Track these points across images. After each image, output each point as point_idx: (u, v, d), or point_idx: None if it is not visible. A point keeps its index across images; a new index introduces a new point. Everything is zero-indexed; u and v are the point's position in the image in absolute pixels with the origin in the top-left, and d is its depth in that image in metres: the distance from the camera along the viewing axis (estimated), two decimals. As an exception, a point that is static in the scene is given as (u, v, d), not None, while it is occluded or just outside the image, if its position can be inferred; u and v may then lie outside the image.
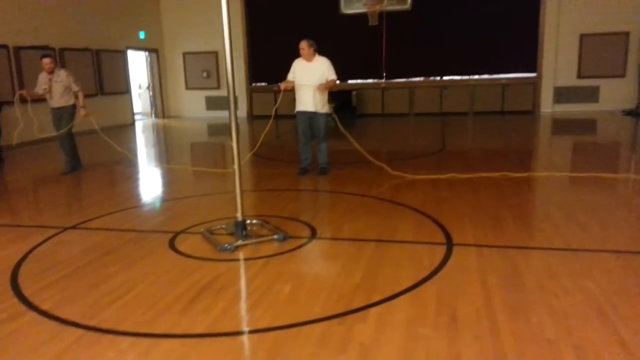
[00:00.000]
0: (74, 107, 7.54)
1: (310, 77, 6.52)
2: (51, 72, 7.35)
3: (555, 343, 2.61)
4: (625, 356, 2.49)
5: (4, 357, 2.69)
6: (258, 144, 6.72)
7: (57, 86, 7.37)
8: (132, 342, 2.77)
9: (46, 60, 7.33)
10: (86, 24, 12.62)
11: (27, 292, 3.41)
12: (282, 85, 6.62)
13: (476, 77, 14.36)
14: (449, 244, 4.08)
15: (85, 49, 12.51)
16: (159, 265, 3.87)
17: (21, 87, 10.60)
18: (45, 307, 3.19)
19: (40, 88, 7.47)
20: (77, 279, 3.64)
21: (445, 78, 14.58)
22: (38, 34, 11.11)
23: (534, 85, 13.90)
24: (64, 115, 7.47)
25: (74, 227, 4.88)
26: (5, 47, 10.25)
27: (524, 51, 13.76)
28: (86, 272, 3.77)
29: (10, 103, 9.89)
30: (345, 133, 6.73)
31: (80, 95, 7.51)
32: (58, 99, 7.44)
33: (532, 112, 13.81)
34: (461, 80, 14.42)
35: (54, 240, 4.52)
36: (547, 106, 13.85)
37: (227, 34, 4.21)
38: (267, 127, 6.62)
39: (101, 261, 3.98)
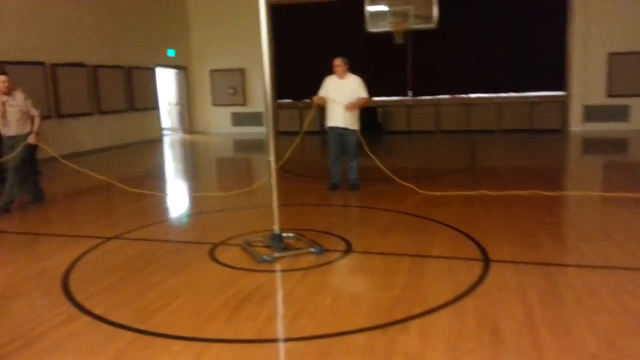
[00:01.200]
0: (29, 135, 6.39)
1: (342, 94, 6.65)
2: (7, 94, 6.18)
3: (599, 358, 2.64)
4: (671, 372, 2.50)
5: (67, 355, 2.84)
6: (286, 156, 6.66)
7: (13, 111, 6.23)
8: (184, 345, 2.89)
9: (2, 78, 6.15)
10: (119, 42, 13.02)
11: (79, 297, 3.56)
12: (316, 98, 6.75)
13: (503, 94, 14.34)
14: (486, 260, 4.12)
15: (117, 66, 12.88)
16: (201, 275, 4.00)
17: (58, 102, 11.00)
18: (97, 311, 3.33)
19: None
20: (124, 286, 3.79)
21: (472, 95, 14.59)
22: (74, 52, 11.51)
23: (563, 104, 13.82)
24: (17, 144, 6.28)
25: (116, 237, 5.04)
26: (42, 64, 10.64)
27: (552, 69, 13.71)
28: (133, 280, 3.92)
29: (45, 118, 10.27)
30: (370, 155, 6.79)
31: (37, 121, 6.41)
32: (14, 126, 6.28)
33: (561, 131, 13.71)
34: (488, 97, 14.42)
35: (99, 250, 4.69)
36: (577, 125, 13.73)
37: (266, 54, 4.38)
38: (298, 140, 6.70)
39: (146, 270, 4.12)
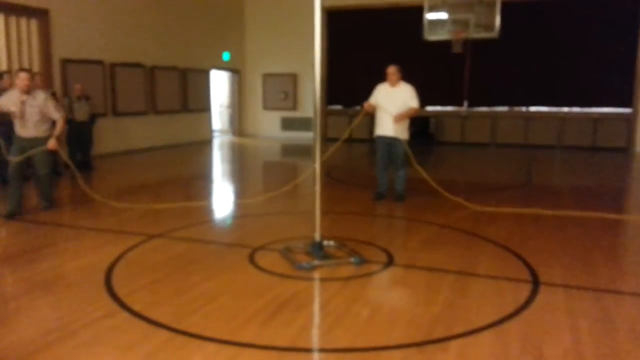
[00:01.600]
0: (48, 139, 5.97)
1: (393, 103, 6.53)
2: (27, 93, 5.81)
3: (656, 397, 2.44)
4: None
5: (105, 349, 2.89)
6: (327, 154, 6.41)
7: (32, 112, 5.82)
8: (217, 348, 2.89)
9: (23, 75, 5.80)
10: (176, 44, 13.38)
11: (120, 293, 3.63)
12: (366, 105, 6.64)
13: (565, 109, 13.76)
14: (535, 282, 3.92)
15: (173, 68, 13.22)
16: (240, 278, 4.00)
17: (114, 100, 11.40)
18: (136, 308, 3.38)
19: (3, 105, 5.86)
20: (165, 285, 3.83)
21: (531, 109, 14.08)
22: (132, 52, 11.91)
23: (629, 121, 13.07)
24: (35, 148, 5.89)
25: (160, 236, 5.13)
26: (100, 63, 11.06)
27: (619, 85, 12.99)
28: (173, 279, 3.96)
29: (102, 115, 10.67)
30: (417, 167, 6.61)
31: (60, 124, 6.00)
32: (31, 128, 5.87)
33: (626, 150, 12.98)
34: (549, 112, 13.87)
35: (143, 247, 4.78)
36: (644, 144, 12.99)
37: (317, 60, 4.36)
38: (340, 142, 6.59)
39: (186, 270, 4.17)
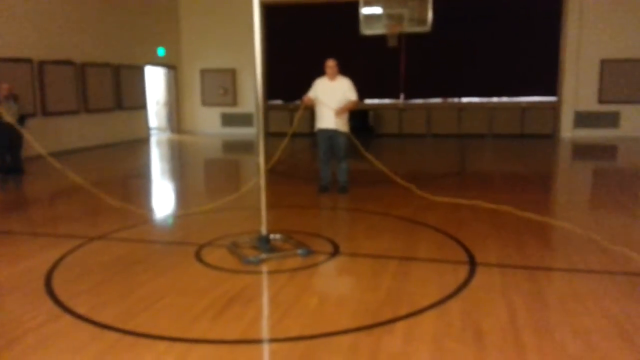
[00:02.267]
0: None
1: (333, 96, 6.63)
2: None
3: (578, 359, 2.67)
4: (651, 375, 2.53)
5: (51, 353, 2.81)
6: (275, 158, 6.52)
7: None
8: (168, 345, 2.88)
9: None
10: (108, 39, 12.91)
11: (62, 297, 3.52)
12: (305, 99, 6.72)
13: (495, 99, 14.47)
14: (472, 263, 4.14)
15: (106, 64, 12.76)
16: (187, 276, 3.98)
17: (44, 100, 10.87)
18: (81, 311, 3.30)
19: None
20: (108, 286, 3.75)
21: (463, 100, 14.70)
22: (62, 49, 11.40)
23: (554, 110, 13.95)
24: None
25: (100, 238, 4.99)
26: (29, 61, 10.53)
27: (545, 75, 13.86)
28: (117, 280, 3.88)
29: (31, 115, 10.15)
30: (369, 157, 6.73)
31: None
32: None
33: (551, 136, 13.84)
34: (480, 102, 14.54)
35: (83, 250, 4.63)
36: (567, 130, 13.84)
37: (258, 55, 4.38)
38: (286, 141, 6.64)
39: (131, 270, 4.09)
